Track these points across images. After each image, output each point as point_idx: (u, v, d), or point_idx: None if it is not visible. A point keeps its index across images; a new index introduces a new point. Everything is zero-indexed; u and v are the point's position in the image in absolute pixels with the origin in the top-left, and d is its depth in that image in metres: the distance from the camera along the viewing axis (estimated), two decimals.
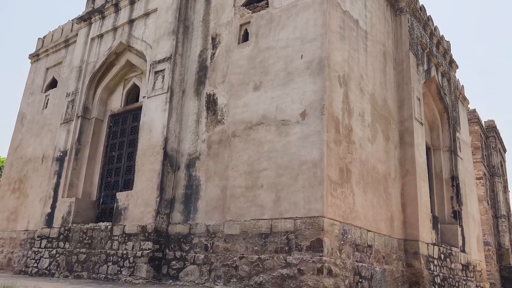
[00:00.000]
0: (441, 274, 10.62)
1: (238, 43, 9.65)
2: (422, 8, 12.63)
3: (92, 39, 12.91)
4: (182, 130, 10.06)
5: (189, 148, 9.75)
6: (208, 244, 8.61)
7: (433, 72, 12.89)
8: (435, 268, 10.38)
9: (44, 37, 16.16)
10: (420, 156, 10.70)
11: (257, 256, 7.77)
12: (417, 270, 9.71)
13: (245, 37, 9.70)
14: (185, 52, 10.65)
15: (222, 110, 9.46)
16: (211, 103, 9.71)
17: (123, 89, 12.33)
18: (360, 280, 7.93)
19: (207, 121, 9.65)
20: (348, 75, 8.77)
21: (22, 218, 13.34)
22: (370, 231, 8.60)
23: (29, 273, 11.35)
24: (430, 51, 12.77)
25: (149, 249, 8.99)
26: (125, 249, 9.43)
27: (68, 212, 11.15)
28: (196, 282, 8.43)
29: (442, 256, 11.01)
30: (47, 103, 14.60)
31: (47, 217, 11.69)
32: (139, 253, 9.08)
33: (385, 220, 9.30)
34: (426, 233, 10.20)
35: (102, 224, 10.27)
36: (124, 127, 11.88)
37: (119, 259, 9.40)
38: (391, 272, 9.06)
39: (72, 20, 15.17)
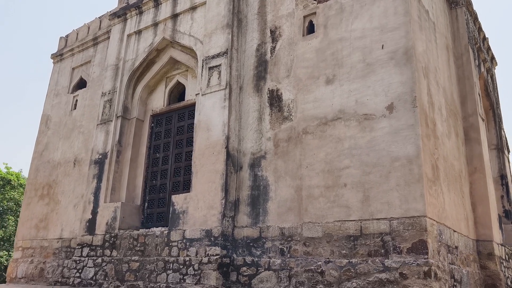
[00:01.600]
0: (510, 275, 10.18)
1: (303, 36, 9.14)
2: (471, 2, 12.28)
3: (129, 35, 12.28)
4: (242, 128, 9.49)
5: (252, 147, 9.18)
6: (284, 248, 8.04)
7: (482, 68, 12.53)
8: (505, 269, 9.94)
9: (67, 35, 15.46)
10: (486, 153, 10.28)
11: (347, 260, 7.22)
12: (493, 272, 9.25)
13: (309, 29, 9.20)
14: (240, 47, 10.10)
15: (288, 106, 8.92)
16: (275, 99, 9.17)
17: (165, 87, 11.71)
18: (455, 284, 7.44)
19: (271, 118, 9.09)
20: (427, 66, 8.31)
21: (54, 225, 12.58)
22: (455, 231, 8.12)
23: (70, 283, 10.62)
24: (480, 46, 12.42)
25: (217, 255, 8.38)
26: (187, 255, 8.80)
27: (113, 217, 10.46)
28: None
29: (506, 256, 10.58)
30: (75, 104, 13.88)
31: (87, 224, 10.98)
32: (205, 259, 8.46)
33: (463, 220, 8.84)
34: (496, 233, 9.76)
35: (157, 230, 9.62)
36: (169, 127, 11.25)
37: (181, 267, 8.76)
38: (472, 274, 8.58)
39: (100, 17, 14.52)
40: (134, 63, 11.78)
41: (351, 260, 7.18)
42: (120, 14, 12.66)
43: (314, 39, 8.91)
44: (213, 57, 10.00)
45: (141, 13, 12.22)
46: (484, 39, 13.32)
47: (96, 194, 11.11)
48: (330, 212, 7.64)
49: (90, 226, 10.89)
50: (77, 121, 13.45)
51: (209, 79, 9.90)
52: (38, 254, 12.62)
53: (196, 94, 10.11)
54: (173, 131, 11.13)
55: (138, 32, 12.11)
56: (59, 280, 11.55)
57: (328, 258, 7.44)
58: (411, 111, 7.30)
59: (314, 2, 9.18)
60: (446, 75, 9.67)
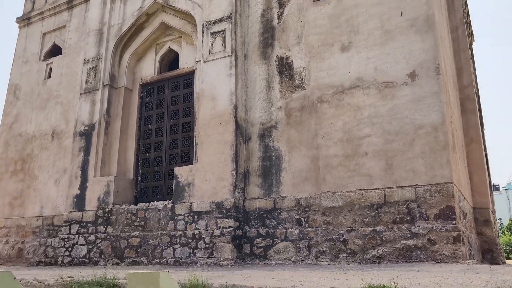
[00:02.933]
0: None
1: (314, 1, 8.85)
2: None
3: None
4: (249, 98, 9.14)
5: (261, 116, 8.87)
6: (302, 219, 7.90)
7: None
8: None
9: None
10: (480, 123, 10.60)
11: (371, 228, 7.20)
12: (489, 237, 9.66)
13: None
14: (243, 12, 9.64)
15: (300, 74, 8.66)
16: (285, 67, 8.87)
17: (156, 55, 11.04)
18: (470, 248, 7.65)
19: (282, 86, 8.80)
20: (442, 36, 8.32)
21: (32, 202, 11.70)
22: (465, 198, 8.33)
23: (59, 263, 9.96)
24: (466, 21, 12.68)
25: (230, 227, 8.10)
26: (196, 228, 8.46)
27: (106, 192, 9.86)
28: (292, 259, 7.71)
29: (494, 222, 11.10)
30: (50, 73, 12.83)
31: (75, 200, 10.28)
32: (217, 232, 8.16)
33: (467, 188, 9.09)
34: (491, 201, 10.17)
35: (158, 203, 9.16)
36: (161, 97, 10.66)
37: (190, 240, 8.42)
38: (474, 240, 8.89)
39: None
40: (121, 28, 10.99)
41: (375, 228, 7.17)
42: None
43: (327, 5, 8.64)
44: (214, 22, 9.49)
45: None
46: (468, 14, 13.62)
47: (84, 168, 10.40)
48: (351, 181, 7.56)
49: (79, 202, 10.20)
50: (53, 90, 12.46)
51: (212, 45, 9.40)
52: (15, 234, 11.74)
53: (197, 61, 9.59)
54: (166, 101, 10.56)
55: None
56: (43, 260, 10.82)
57: (350, 227, 7.38)
58: (434, 78, 7.28)
59: None
60: (448, 46, 9.78)
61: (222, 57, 9.15)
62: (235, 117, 8.69)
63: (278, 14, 9.23)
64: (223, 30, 9.32)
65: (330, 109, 8.07)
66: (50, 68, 12.88)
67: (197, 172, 8.80)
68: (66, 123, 11.81)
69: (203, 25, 9.64)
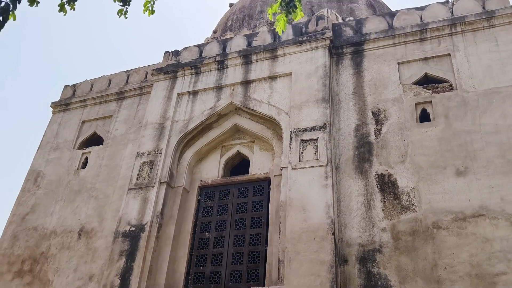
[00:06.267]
0: None
1: (417, 122, 8.55)
2: None
3: (180, 94, 10.87)
4: (342, 214, 8.19)
5: (359, 237, 7.83)
6: None
7: None
8: None
9: (76, 85, 13.52)
10: None
11: None
12: None
13: (422, 117, 8.67)
14: (334, 124, 9.21)
15: (408, 194, 7.91)
16: (387, 184, 8.15)
17: (220, 157, 10.19)
18: None
19: (385, 205, 7.96)
20: None
21: None
22: None
23: None
24: None
25: None
26: None
27: None
28: None
29: None
30: (85, 163, 11.57)
31: None
32: None
33: None
34: None
35: None
36: (224, 203, 9.53)
37: None
38: None
39: (127, 71, 12.99)
40: (188, 125, 10.24)
41: None
42: (168, 71, 11.33)
43: (434, 127, 8.33)
44: (305, 129, 8.93)
45: (198, 73, 11.02)
46: None
47: (125, 277, 8.65)
48: None
49: None
50: (88, 182, 11.06)
51: (302, 153, 8.70)
52: None
53: (282, 168, 8.76)
54: (231, 207, 9.41)
55: (194, 93, 10.77)
56: None
57: None
58: None
59: (428, 91, 8.80)
60: None
61: (315, 166, 8.40)
62: (334, 233, 7.62)
63: (375, 131, 8.81)
64: (315, 139, 8.72)
65: (450, 237, 7.20)
66: (86, 158, 11.67)
67: None
68: (99, 221, 10.23)
69: (291, 131, 9.04)
